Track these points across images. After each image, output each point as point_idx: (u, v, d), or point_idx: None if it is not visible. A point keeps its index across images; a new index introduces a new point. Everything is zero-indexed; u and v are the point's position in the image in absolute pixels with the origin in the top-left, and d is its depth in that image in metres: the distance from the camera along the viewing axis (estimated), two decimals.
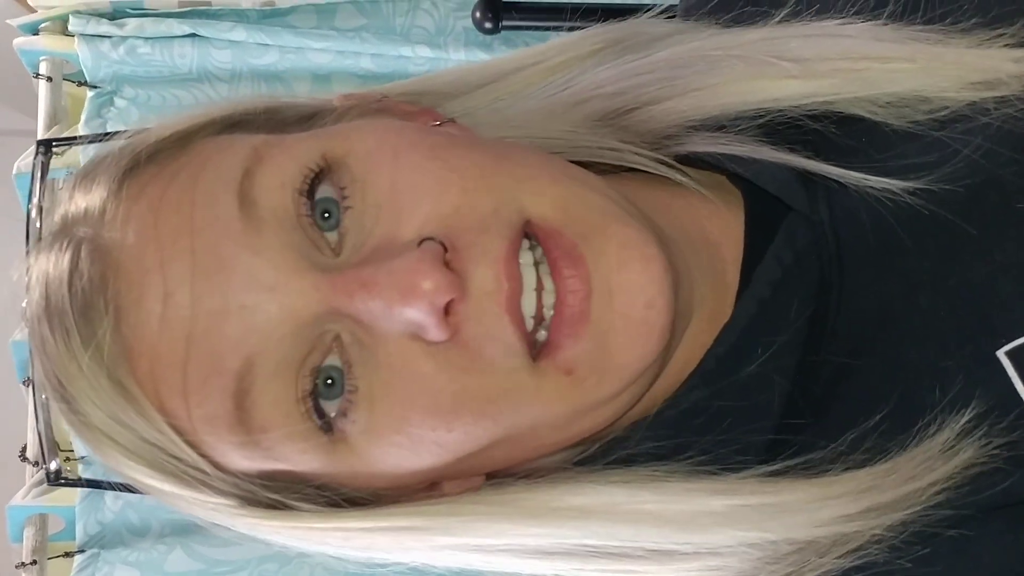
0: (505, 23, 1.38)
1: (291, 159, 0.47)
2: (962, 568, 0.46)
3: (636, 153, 0.54)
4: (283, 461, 0.47)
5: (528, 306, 0.46)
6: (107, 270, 0.46)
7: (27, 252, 0.51)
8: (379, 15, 1.49)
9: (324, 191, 0.47)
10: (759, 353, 0.50)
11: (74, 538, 1.49)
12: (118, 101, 1.50)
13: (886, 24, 0.53)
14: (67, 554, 1.49)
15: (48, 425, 0.46)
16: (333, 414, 0.47)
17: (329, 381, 0.46)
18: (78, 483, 0.50)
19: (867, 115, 0.52)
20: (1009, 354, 0.46)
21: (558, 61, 0.57)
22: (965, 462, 0.45)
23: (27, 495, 1.48)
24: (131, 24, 1.46)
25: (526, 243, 0.47)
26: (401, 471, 0.48)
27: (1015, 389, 0.46)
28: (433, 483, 0.51)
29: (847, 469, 0.47)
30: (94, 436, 0.48)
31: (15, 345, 1.49)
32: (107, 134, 0.52)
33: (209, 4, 1.51)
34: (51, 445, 0.49)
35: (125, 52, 1.47)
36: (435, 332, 0.45)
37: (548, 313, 0.46)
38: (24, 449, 1.49)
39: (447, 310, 0.45)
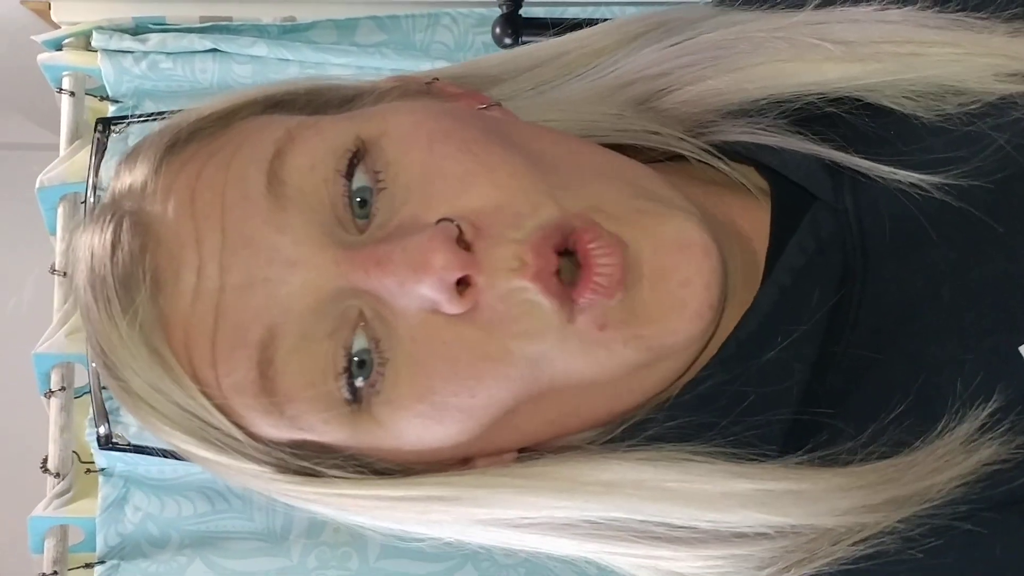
0: (524, 39, 1.39)
1: (323, 141, 0.48)
2: (974, 561, 0.46)
3: (679, 138, 0.55)
4: (308, 431, 0.49)
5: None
6: (147, 242, 0.48)
7: (79, 226, 0.53)
8: (399, 31, 1.50)
9: (360, 180, 0.48)
10: (779, 340, 0.51)
11: (94, 549, 1.50)
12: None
13: (929, 9, 0.53)
14: (87, 565, 1.50)
15: (99, 391, 0.47)
16: (361, 385, 0.48)
17: (360, 363, 0.48)
18: (127, 448, 0.52)
19: (897, 107, 0.52)
20: None
21: (602, 45, 0.57)
22: (985, 458, 0.45)
23: (48, 506, 1.49)
24: (153, 39, 1.48)
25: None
26: (426, 442, 0.48)
27: None
28: (465, 460, 0.51)
29: (869, 461, 0.47)
30: (135, 402, 0.49)
31: (37, 358, 1.51)
32: (160, 113, 0.54)
33: (230, 20, 1.52)
34: (101, 411, 0.50)
35: (147, 67, 1.49)
36: (449, 307, 0.46)
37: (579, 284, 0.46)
38: (45, 461, 1.51)
39: (466, 282, 0.45)
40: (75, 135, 1.53)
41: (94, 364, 0.52)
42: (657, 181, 0.50)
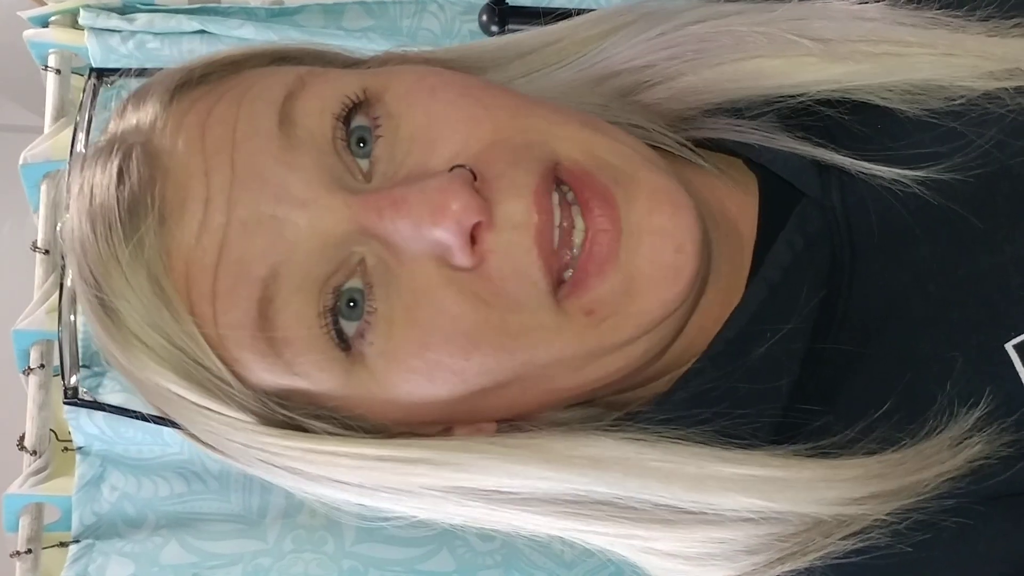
0: (511, 27, 1.40)
1: (332, 88, 0.49)
2: (960, 554, 0.46)
3: (661, 133, 0.55)
4: (303, 377, 0.48)
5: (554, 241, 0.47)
6: (155, 172, 0.48)
7: (69, 167, 0.53)
8: (386, 16, 1.50)
9: (359, 120, 0.48)
10: (768, 337, 0.51)
11: (69, 528, 1.49)
12: (125, 95, 1.50)
13: (906, 7, 0.54)
14: (62, 544, 1.49)
15: (73, 338, 0.47)
16: (351, 333, 0.47)
17: (351, 303, 0.47)
18: (94, 404, 0.51)
19: (882, 102, 0.53)
20: (1017, 347, 0.46)
21: (593, 33, 0.58)
22: (973, 455, 0.46)
23: (24, 484, 1.48)
24: (141, 19, 1.48)
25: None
26: (415, 398, 0.48)
27: (1021, 383, 0.46)
28: (445, 428, 0.52)
29: (856, 455, 0.47)
30: (125, 338, 0.49)
31: (16, 335, 1.50)
32: (155, 68, 0.54)
33: (219, 1, 1.52)
34: (74, 361, 0.50)
35: (134, 46, 1.48)
36: (460, 255, 0.45)
37: (575, 252, 0.47)
38: (22, 438, 1.50)
39: (474, 238, 0.46)
40: (60, 113, 1.53)
41: (73, 317, 0.51)
42: (644, 149, 0.50)
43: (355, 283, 0.47)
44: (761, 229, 0.54)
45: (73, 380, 0.51)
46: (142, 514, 1.50)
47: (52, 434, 1.51)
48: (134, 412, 0.52)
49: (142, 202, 0.47)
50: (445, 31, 1.50)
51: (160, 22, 1.47)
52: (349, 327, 0.47)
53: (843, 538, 0.47)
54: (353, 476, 0.50)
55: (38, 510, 1.50)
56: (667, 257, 0.46)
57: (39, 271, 1.53)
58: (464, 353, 0.46)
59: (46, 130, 1.53)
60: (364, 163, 0.48)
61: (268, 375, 0.48)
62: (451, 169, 0.46)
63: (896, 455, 0.47)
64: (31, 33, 1.53)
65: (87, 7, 1.48)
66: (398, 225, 0.46)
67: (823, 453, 0.48)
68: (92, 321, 0.50)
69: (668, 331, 0.50)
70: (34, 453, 1.49)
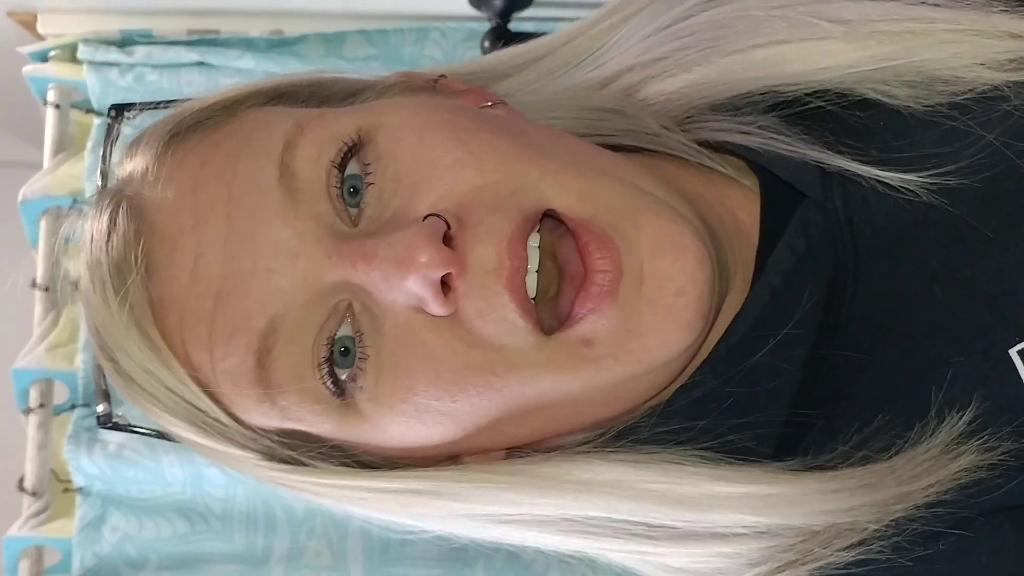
0: None
1: (329, 132, 0.49)
2: (962, 568, 0.46)
3: (671, 137, 0.55)
4: (298, 421, 0.49)
5: (530, 286, 0.47)
6: (142, 226, 0.49)
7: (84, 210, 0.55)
8: (387, 45, 1.50)
9: (352, 168, 0.49)
10: (770, 342, 0.50)
11: (70, 571, 1.47)
12: (124, 128, 1.49)
13: None
14: None
15: (99, 369, 0.48)
16: (344, 378, 0.48)
17: (343, 350, 0.48)
18: (127, 428, 0.52)
19: (885, 99, 0.52)
20: (1021, 353, 0.45)
21: (604, 26, 0.58)
22: (966, 464, 0.45)
23: (24, 527, 1.46)
24: (140, 52, 1.47)
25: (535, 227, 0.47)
26: (409, 440, 0.49)
27: None
28: (454, 457, 0.52)
29: (853, 464, 0.47)
30: (127, 383, 0.50)
31: (16, 373, 1.48)
32: (171, 101, 0.55)
33: (218, 32, 1.51)
34: (99, 390, 0.51)
35: (133, 79, 1.48)
36: (434, 306, 0.46)
37: (563, 295, 0.47)
38: (22, 480, 1.48)
39: (448, 285, 0.46)
40: (59, 148, 1.52)
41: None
42: (654, 183, 0.49)
43: (346, 331, 0.48)
44: (763, 232, 0.53)
45: (100, 409, 0.51)
46: (144, 555, 1.48)
47: (52, 474, 1.49)
48: (162, 434, 0.55)
49: (127, 258, 0.49)
50: (447, 58, 1.49)
51: (159, 54, 1.47)
52: (342, 373, 0.48)
53: (842, 549, 0.46)
54: (357, 505, 0.52)
55: (38, 553, 1.47)
56: (667, 300, 0.46)
57: (38, 308, 1.51)
58: (450, 395, 0.47)
59: (45, 165, 1.52)
60: (355, 210, 0.49)
61: (264, 419, 0.49)
62: (426, 218, 0.46)
63: (887, 463, 0.46)
64: (30, 68, 1.52)
65: (86, 41, 1.48)
66: (371, 276, 0.46)
67: (819, 464, 0.47)
68: (101, 363, 0.53)
69: (677, 367, 0.49)
70: (34, 494, 1.46)
